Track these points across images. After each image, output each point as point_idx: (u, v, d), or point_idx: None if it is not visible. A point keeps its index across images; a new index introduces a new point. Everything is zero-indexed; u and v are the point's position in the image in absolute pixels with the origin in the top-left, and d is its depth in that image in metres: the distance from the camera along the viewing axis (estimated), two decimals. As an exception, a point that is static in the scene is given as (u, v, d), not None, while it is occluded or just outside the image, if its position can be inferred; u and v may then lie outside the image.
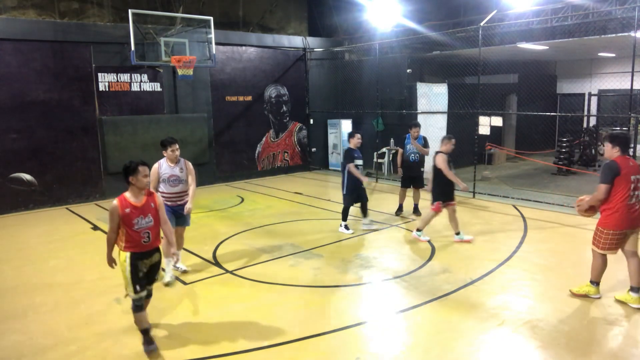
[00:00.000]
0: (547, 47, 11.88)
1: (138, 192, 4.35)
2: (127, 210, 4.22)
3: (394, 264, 6.55)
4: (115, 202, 4.25)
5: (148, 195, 4.40)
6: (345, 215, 8.07)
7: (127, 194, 4.33)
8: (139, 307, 4.34)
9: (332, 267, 6.39)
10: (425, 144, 8.87)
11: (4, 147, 9.94)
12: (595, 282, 5.17)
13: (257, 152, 14.02)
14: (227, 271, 6.38)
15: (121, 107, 11.31)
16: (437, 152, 7.40)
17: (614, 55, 14.40)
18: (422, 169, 9.01)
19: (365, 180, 7.88)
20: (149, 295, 4.56)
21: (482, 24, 10.32)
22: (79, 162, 10.87)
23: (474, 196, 10.49)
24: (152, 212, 4.37)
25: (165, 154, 6.05)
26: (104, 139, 11.01)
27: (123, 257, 4.27)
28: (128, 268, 4.25)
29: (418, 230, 7.47)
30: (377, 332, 4.68)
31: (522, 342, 4.39)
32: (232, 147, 13.45)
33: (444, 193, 7.27)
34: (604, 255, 5.09)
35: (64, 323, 4.99)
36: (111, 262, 4.45)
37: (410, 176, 8.88)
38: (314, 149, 15.26)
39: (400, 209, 9.11)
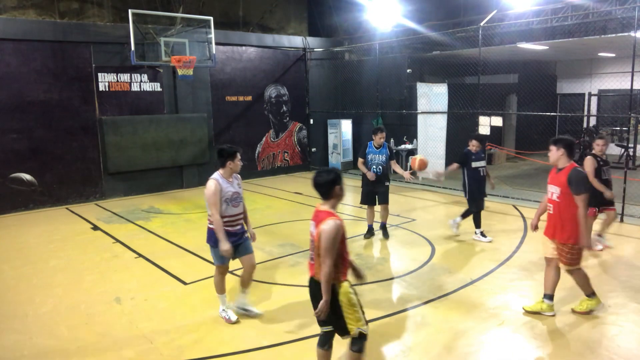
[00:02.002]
0: (547, 47, 11.88)
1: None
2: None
3: (394, 264, 6.55)
4: (336, 220, 3.27)
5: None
6: (477, 222, 7.49)
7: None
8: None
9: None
10: (390, 154, 7.40)
11: (4, 147, 9.94)
12: (593, 293, 4.86)
13: (257, 152, 14.02)
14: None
15: (121, 107, 11.31)
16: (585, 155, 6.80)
17: (614, 55, 14.39)
18: (386, 183, 7.48)
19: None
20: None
21: (482, 24, 10.32)
22: (79, 162, 10.87)
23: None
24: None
25: (227, 167, 4.71)
26: (104, 139, 11.01)
27: (345, 288, 3.39)
28: (355, 297, 3.42)
29: (600, 235, 6.93)
30: (378, 331, 4.67)
31: (522, 342, 4.39)
32: (232, 147, 13.42)
33: (596, 199, 6.53)
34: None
35: (64, 323, 4.99)
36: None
37: (373, 191, 7.42)
38: (314, 149, 15.26)
39: (370, 231, 7.69)
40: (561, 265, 4.77)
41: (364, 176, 7.50)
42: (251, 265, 4.91)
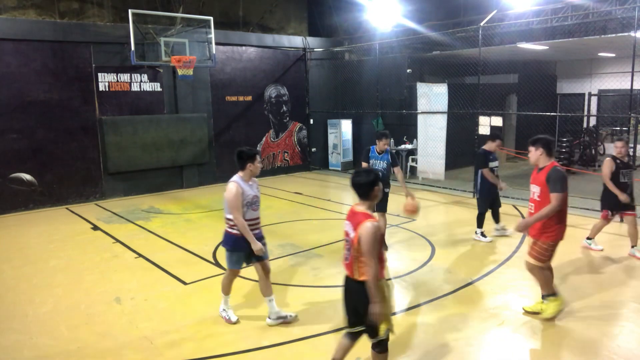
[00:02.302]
0: (547, 47, 11.88)
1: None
2: None
3: (394, 264, 6.55)
4: (374, 222, 3.31)
5: None
6: (480, 222, 7.45)
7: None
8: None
9: (332, 267, 6.39)
10: (394, 161, 7.01)
11: (4, 147, 9.94)
12: (554, 294, 4.79)
13: (257, 152, 14.00)
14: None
15: (121, 107, 11.31)
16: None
17: (614, 55, 14.39)
18: (386, 190, 6.92)
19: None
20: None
21: (482, 24, 10.32)
22: (79, 162, 10.87)
23: (474, 196, 10.47)
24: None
25: (247, 169, 4.65)
26: (104, 139, 11.01)
27: (381, 287, 3.37)
28: (388, 296, 3.46)
29: (588, 238, 6.91)
30: (377, 332, 4.67)
31: (522, 342, 4.39)
32: (232, 147, 13.36)
33: (611, 201, 6.55)
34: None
35: (64, 323, 4.99)
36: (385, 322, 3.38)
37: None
38: (314, 149, 15.26)
39: None
40: (527, 258, 4.75)
41: None
42: (268, 271, 4.87)
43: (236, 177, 4.65)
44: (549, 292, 4.78)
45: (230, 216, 4.61)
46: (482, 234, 7.41)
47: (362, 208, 3.45)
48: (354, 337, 3.61)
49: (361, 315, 3.39)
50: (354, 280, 3.41)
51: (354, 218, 3.43)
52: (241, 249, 4.68)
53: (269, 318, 4.83)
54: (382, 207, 6.96)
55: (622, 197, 6.42)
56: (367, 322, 3.38)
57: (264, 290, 4.87)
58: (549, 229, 4.56)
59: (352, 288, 3.45)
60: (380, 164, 6.96)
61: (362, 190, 3.46)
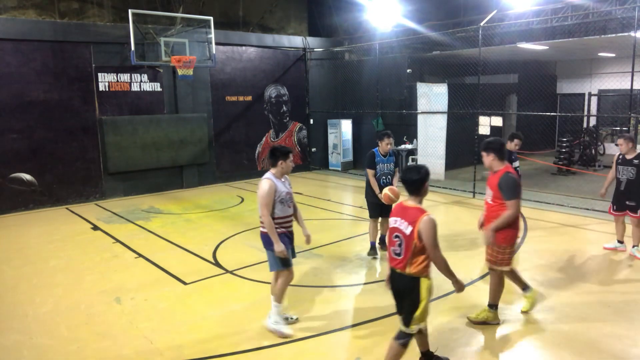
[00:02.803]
0: (547, 47, 11.88)
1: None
2: None
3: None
4: (431, 215, 3.47)
5: None
6: None
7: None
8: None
9: (332, 267, 6.39)
10: (396, 161, 6.69)
11: (4, 147, 9.94)
12: (495, 306, 4.70)
13: (257, 152, 14.02)
14: (227, 271, 6.38)
15: (121, 107, 11.31)
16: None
17: (614, 55, 14.39)
18: None
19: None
20: None
21: (482, 24, 10.32)
22: (79, 162, 10.87)
23: (474, 196, 10.49)
24: None
25: (278, 166, 4.60)
26: (104, 139, 11.01)
27: (429, 283, 3.56)
28: (429, 295, 3.61)
29: (634, 246, 6.50)
30: (377, 332, 4.67)
31: (522, 342, 4.39)
32: (232, 147, 13.46)
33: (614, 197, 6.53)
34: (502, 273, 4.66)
35: (64, 323, 4.99)
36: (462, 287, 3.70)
37: (381, 203, 6.43)
38: (314, 149, 15.26)
39: (373, 248, 6.82)
40: (486, 262, 4.72)
41: (368, 185, 6.60)
42: (292, 274, 4.77)
43: (269, 174, 4.60)
44: (492, 301, 4.72)
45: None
46: None
47: (412, 203, 3.56)
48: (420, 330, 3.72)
49: (406, 306, 3.56)
50: (404, 275, 3.53)
51: (406, 214, 3.52)
52: (286, 246, 4.56)
53: (269, 322, 4.68)
54: (389, 213, 6.41)
55: (601, 190, 6.66)
56: (406, 312, 3.55)
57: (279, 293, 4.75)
58: (503, 233, 4.52)
59: (404, 282, 3.56)
60: (388, 167, 6.51)
61: (415, 186, 3.55)
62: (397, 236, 3.56)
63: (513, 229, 4.52)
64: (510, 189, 4.36)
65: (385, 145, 6.46)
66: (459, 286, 3.68)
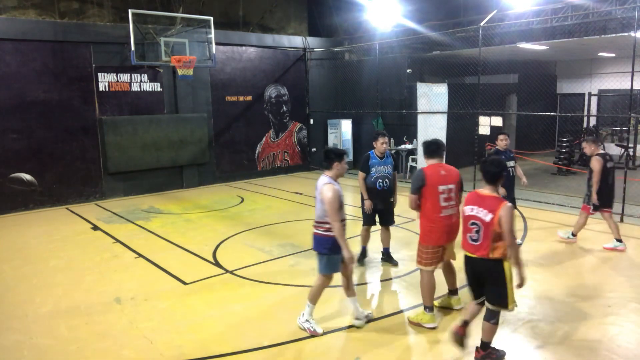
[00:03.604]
0: (547, 47, 11.88)
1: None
2: None
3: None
4: (508, 203, 3.73)
5: None
6: None
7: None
8: None
9: (332, 267, 6.38)
10: (395, 163, 6.31)
11: (4, 147, 9.94)
12: (428, 308, 4.67)
13: (257, 152, 14.02)
14: (227, 271, 6.38)
15: (121, 107, 11.31)
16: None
17: (614, 55, 14.39)
18: (391, 199, 6.29)
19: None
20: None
21: (482, 24, 10.32)
22: (79, 162, 10.87)
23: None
24: None
25: (334, 168, 4.53)
26: (104, 139, 11.01)
27: (508, 266, 3.78)
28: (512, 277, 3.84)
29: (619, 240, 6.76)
30: (377, 332, 4.67)
31: (522, 342, 4.39)
32: (232, 147, 13.46)
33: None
34: (431, 273, 4.66)
35: (64, 323, 4.99)
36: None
37: (376, 209, 6.19)
38: (314, 149, 15.26)
39: (364, 253, 6.55)
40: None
41: (367, 191, 6.17)
42: (351, 272, 4.78)
43: (327, 178, 4.48)
44: (426, 303, 4.69)
45: (326, 219, 4.40)
46: None
47: (489, 192, 3.84)
48: (482, 304, 4.02)
49: (493, 288, 3.83)
50: (487, 259, 3.78)
51: (484, 202, 3.80)
52: (340, 252, 4.46)
53: (357, 319, 4.70)
54: (386, 221, 6.32)
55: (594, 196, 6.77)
56: (496, 295, 3.83)
57: (348, 292, 4.75)
58: (421, 231, 4.66)
59: (485, 266, 3.81)
60: (385, 170, 6.08)
61: (490, 177, 3.83)
62: (474, 223, 3.82)
63: (435, 229, 4.53)
64: (411, 184, 4.62)
65: (380, 145, 6.06)
66: (522, 279, 3.80)
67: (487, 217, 3.73)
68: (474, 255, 3.86)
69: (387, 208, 6.26)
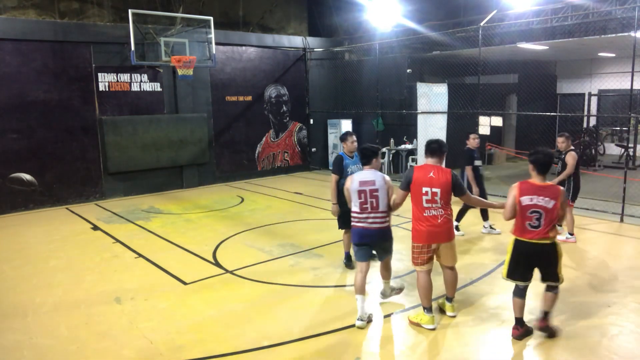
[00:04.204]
0: (547, 47, 11.88)
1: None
2: None
3: (394, 264, 6.52)
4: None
5: None
6: (460, 216, 7.53)
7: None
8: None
9: (332, 267, 6.39)
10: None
11: (4, 147, 9.94)
12: (427, 309, 4.64)
13: (257, 152, 14.02)
14: (227, 271, 6.38)
15: (121, 107, 11.31)
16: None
17: (614, 55, 14.39)
18: None
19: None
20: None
21: (482, 24, 10.32)
22: (79, 162, 10.87)
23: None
24: None
25: (373, 164, 4.91)
26: (104, 139, 11.01)
27: (559, 246, 4.37)
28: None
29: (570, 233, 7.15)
30: (377, 332, 4.67)
31: (522, 342, 4.38)
32: (232, 147, 13.46)
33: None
34: (424, 274, 4.68)
35: (64, 323, 4.99)
36: None
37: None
38: (314, 149, 15.26)
39: (349, 258, 6.37)
40: None
41: (340, 195, 5.81)
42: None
43: (374, 171, 4.89)
44: (424, 304, 4.68)
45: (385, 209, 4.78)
46: (456, 228, 7.29)
47: (541, 181, 4.22)
48: (524, 292, 4.41)
49: (550, 268, 4.28)
50: (546, 243, 4.19)
51: (544, 191, 4.17)
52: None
53: (360, 320, 4.71)
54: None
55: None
56: (553, 272, 4.30)
57: (384, 274, 5.20)
58: (412, 228, 4.77)
59: (544, 249, 4.21)
60: (357, 168, 5.88)
61: (541, 167, 4.21)
62: (535, 211, 4.16)
63: (417, 227, 4.67)
64: (402, 178, 4.83)
65: (351, 145, 6.05)
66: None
67: (550, 204, 4.11)
68: (533, 241, 4.19)
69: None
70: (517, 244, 4.30)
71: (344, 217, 6.00)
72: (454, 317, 4.84)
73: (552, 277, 4.32)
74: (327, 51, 15.04)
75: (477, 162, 7.47)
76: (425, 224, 4.57)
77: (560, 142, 7.18)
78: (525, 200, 4.19)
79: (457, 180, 4.59)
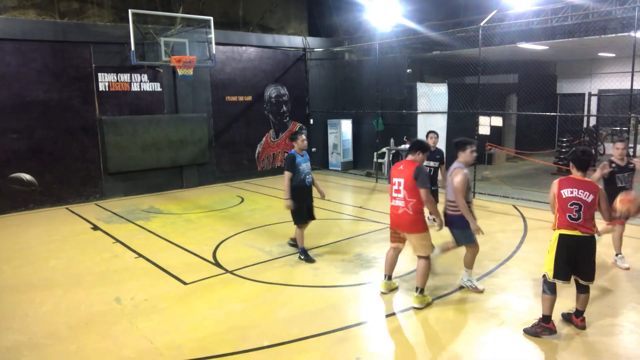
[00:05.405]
0: (547, 47, 11.88)
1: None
2: None
3: (398, 264, 6.53)
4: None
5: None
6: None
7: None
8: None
9: (332, 267, 6.39)
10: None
11: (4, 147, 9.94)
12: (387, 276, 5.58)
13: (257, 152, 14.02)
14: (227, 271, 6.38)
15: (121, 107, 11.31)
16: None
17: (614, 55, 14.39)
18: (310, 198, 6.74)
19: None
20: None
21: (482, 24, 10.32)
22: (79, 162, 10.87)
23: (474, 196, 10.47)
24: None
25: (460, 157, 5.40)
26: (104, 139, 11.01)
27: (595, 241, 4.51)
28: None
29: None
30: (377, 332, 4.68)
31: (522, 342, 4.39)
32: (232, 147, 13.46)
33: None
34: (391, 250, 5.47)
35: (64, 323, 4.99)
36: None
37: (308, 204, 6.68)
38: (314, 149, 15.24)
39: (306, 254, 6.69)
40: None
41: (294, 190, 6.42)
42: (478, 246, 5.50)
43: (459, 164, 5.29)
44: (385, 271, 5.52)
45: (452, 198, 5.18)
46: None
47: (582, 176, 4.43)
48: (555, 289, 4.47)
49: (587, 264, 4.37)
50: (587, 236, 4.30)
51: (583, 185, 4.35)
52: (468, 225, 5.16)
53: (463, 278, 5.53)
54: (313, 214, 6.87)
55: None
56: (589, 270, 4.39)
57: (469, 263, 5.49)
58: None
59: (582, 242, 4.30)
60: (307, 166, 6.59)
61: (581, 164, 4.42)
62: (575, 204, 4.31)
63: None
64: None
65: (302, 143, 6.52)
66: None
67: (589, 197, 4.29)
68: (573, 233, 4.29)
69: (308, 207, 6.76)
70: (561, 239, 4.39)
71: (298, 212, 6.57)
72: (420, 309, 5.04)
73: (589, 276, 4.41)
74: (327, 51, 15.04)
75: (434, 164, 7.75)
76: (392, 211, 5.22)
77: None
78: (566, 192, 4.40)
79: (418, 173, 4.98)
